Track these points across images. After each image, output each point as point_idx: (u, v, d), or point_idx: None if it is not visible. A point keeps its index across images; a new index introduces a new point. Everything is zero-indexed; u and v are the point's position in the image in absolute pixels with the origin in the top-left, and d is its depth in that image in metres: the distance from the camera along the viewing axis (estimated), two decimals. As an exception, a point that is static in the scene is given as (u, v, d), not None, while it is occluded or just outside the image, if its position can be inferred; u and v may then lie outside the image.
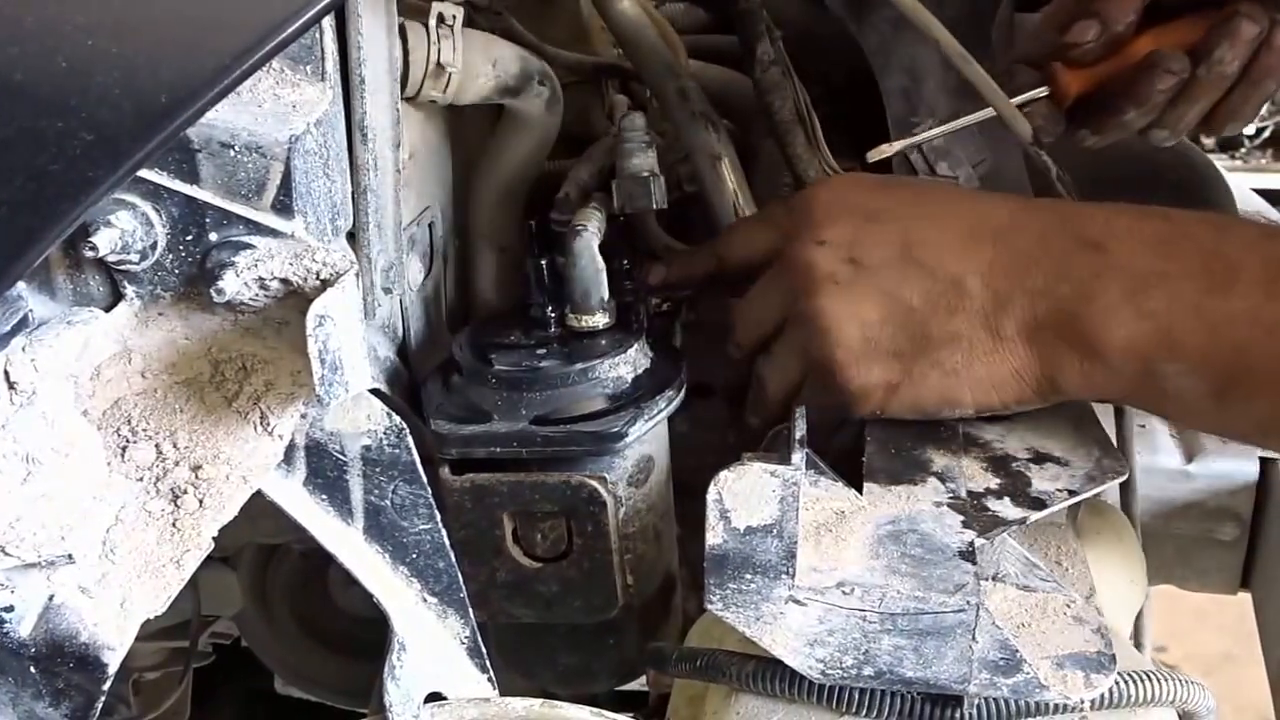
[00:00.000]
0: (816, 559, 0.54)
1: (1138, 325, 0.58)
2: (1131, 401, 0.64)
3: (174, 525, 0.48)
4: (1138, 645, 0.81)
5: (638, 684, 0.85)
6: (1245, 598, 1.12)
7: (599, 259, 0.71)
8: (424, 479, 0.55)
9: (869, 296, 0.65)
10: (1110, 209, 0.63)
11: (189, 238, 0.48)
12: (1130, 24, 0.73)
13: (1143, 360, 0.58)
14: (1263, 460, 1.00)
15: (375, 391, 0.53)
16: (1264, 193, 1.54)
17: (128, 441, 0.49)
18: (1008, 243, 0.63)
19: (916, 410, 0.65)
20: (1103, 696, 0.52)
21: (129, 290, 0.49)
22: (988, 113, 0.72)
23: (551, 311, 0.72)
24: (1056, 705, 0.52)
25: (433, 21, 0.68)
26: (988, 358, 0.63)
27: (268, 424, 0.50)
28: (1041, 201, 0.69)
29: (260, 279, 0.48)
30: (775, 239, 0.71)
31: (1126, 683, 0.53)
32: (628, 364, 0.69)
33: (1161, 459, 1.02)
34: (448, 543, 0.57)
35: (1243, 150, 4.32)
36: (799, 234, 0.68)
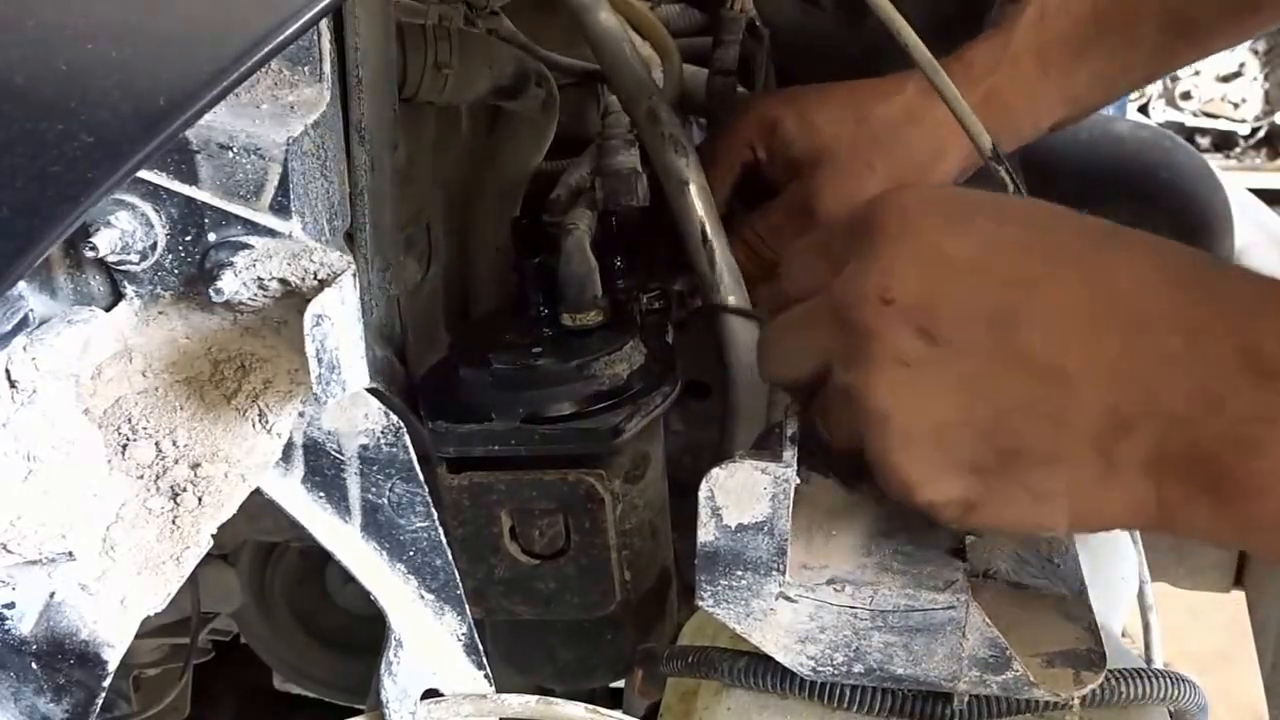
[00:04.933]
0: (807, 556, 0.55)
1: None
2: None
3: (173, 523, 0.49)
4: (1147, 648, 0.81)
5: (633, 680, 0.86)
6: (1239, 596, 1.12)
7: (591, 257, 0.72)
8: (420, 477, 0.55)
9: (946, 388, 0.49)
10: None
11: (188, 238, 0.48)
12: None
13: None
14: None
15: (373, 390, 0.53)
16: (1259, 192, 1.54)
17: (128, 440, 0.49)
18: (1146, 335, 0.46)
19: (1000, 530, 0.54)
20: (1093, 694, 0.53)
21: (129, 290, 0.50)
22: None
23: (546, 310, 0.72)
24: (1046, 702, 0.53)
25: (430, 23, 0.68)
26: (1092, 487, 0.48)
27: (266, 422, 0.50)
28: (1207, 275, 0.49)
29: (258, 279, 0.48)
30: (829, 269, 0.54)
31: (1117, 680, 0.54)
32: (623, 361, 0.69)
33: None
34: (444, 540, 0.57)
35: (1237, 150, 4.34)
36: (856, 276, 0.51)
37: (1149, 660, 0.80)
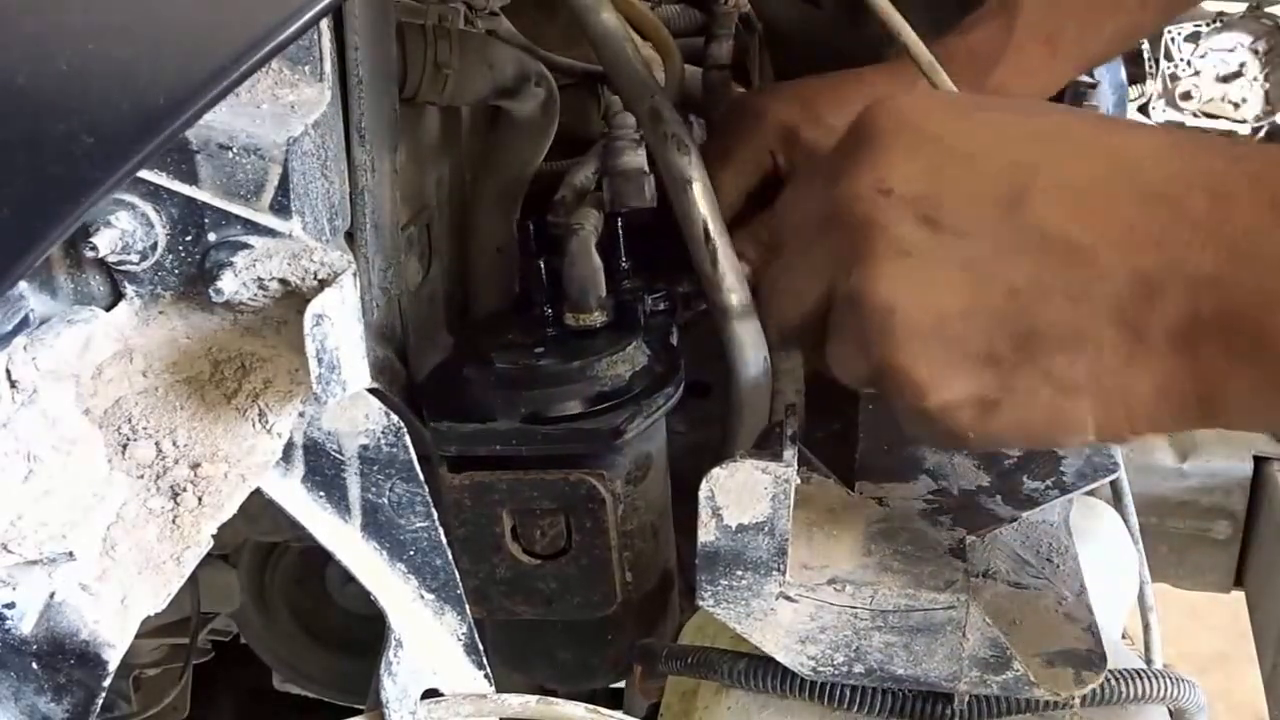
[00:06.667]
0: (808, 556, 0.55)
1: None
2: None
3: (174, 522, 0.49)
4: (1147, 649, 0.81)
5: (634, 680, 0.86)
6: (1239, 596, 1.12)
7: (596, 258, 0.72)
8: (420, 477, 0.55)
9: (952, 275, 0.46)
10: None
11: (188, 238, 0.48)
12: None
13: None
14: (1257, 459, 1.01)
15: (373, 390, 0.53)
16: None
17: (128, 439, 0.49)
18: (1164, 197, 0.43)
19: (1023, 437, 0.48)
20: (1093, 694, 0.53)
21: (129, 290, 0.50)
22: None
23: (549, 310, 0.72)
24: (1046, 702, 0.53)
25: (430, 23, 0.68)
26: (1119, 368, 0.44)
27: (266, 422, 0.50)
28: (1218, 142, 0.47)
29: (258, 279, 0.48)
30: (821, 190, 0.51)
31: (1117, 680, 0.54)
32: (626, 362, 0.69)
33: (1155, 457, 1.02)
34: (444, 540, 0.57)
35: (1238, 150, 4.32)
36: (851, 177, 0.49)
37: (1149, 660, 0.80)
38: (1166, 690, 0.55)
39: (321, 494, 0.54)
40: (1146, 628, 0.81)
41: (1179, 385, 0.44)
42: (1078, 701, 0.53)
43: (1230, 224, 0.42)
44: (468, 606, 0.59)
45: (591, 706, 0.57)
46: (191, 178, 0.47)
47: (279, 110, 0.49)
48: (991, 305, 0.45)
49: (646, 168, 0.80)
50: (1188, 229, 0.42)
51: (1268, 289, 0.41)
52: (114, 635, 0.48)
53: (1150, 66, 2.44)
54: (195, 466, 0.49)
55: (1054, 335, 0.45)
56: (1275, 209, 0.41)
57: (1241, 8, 2.14)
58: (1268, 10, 2.22)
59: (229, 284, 0.48)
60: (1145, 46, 2.22)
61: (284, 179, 0.48)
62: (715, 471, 0.51)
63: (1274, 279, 0.41)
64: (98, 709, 0.49)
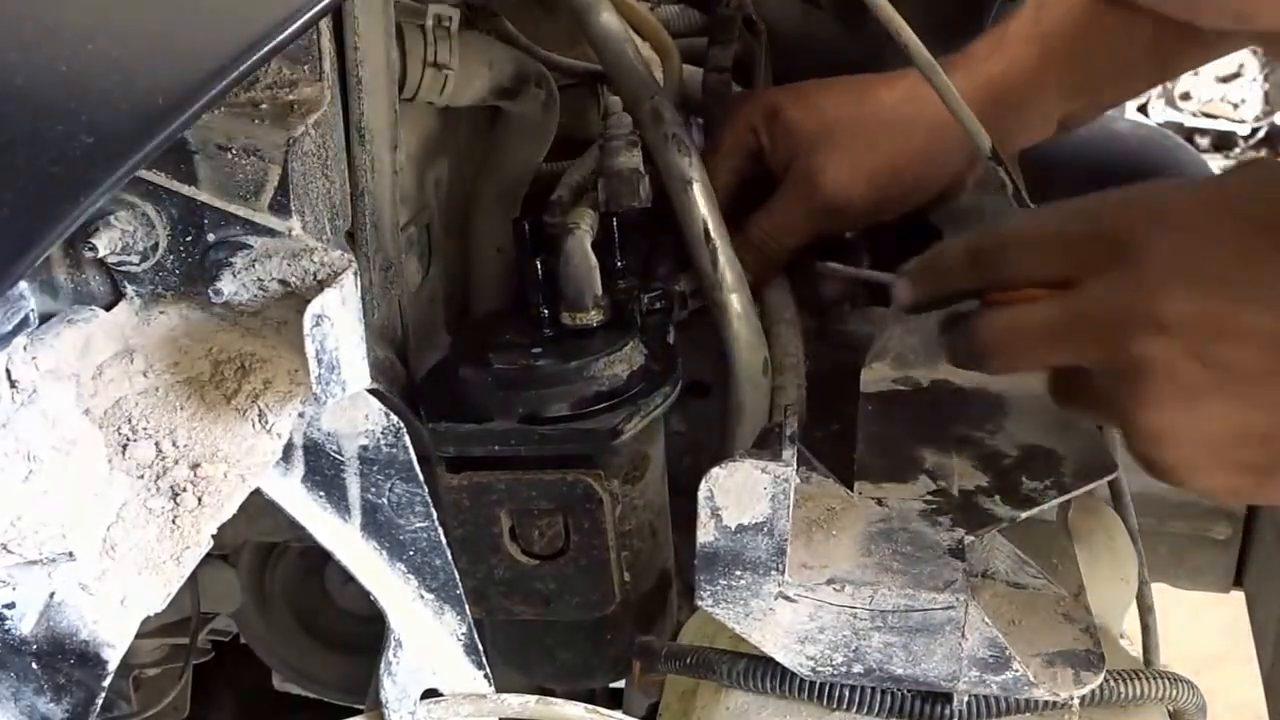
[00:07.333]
0: (808, 556, 0.55)
1: None
2: None
3: (173, 523, 0.49)
4: (1146, 649, 0.81)
5: (633, 680, 0.86)
6: (1239, 596, 1.12)
7: (591, 257, 0.72)
8: (420, 477, 0.55)
9: (1220, 405, 0.51)
10: None
11: (188, 238, 0.48)
12: None
13: None
14: (1256, 459, 1.01)
15: (373, 391, 0.53)
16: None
17: (128, 440, 0.49)
18: None
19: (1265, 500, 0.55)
20: (1092, 694, 0.53)
21: (129, 290, 0.50)
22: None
23: (546, 310, 0.72)
24: (1046, 702, 0.53)
25: (429, 23, 0.68)
26: None
27: (266, 422, 0.50)
28: None
29: (258, 279, 0.48)
30: (1069, 269, 0.54)
31: (1116, 681, 0.54)
32: (623, 361, 0.69)
33: (1155, 457, 1.02)
34: (444, 540, 0.57)
35: (1237, 150, 4.34)
36: (1123, 294, 0.52)
37: (1148, 661, 0.80)
38: (1165, 691, 0.55)
39: (321, 494, 0.54)
40: (1146, 628, 0.81)
41: None
42: (1077, 702, 0.53)
43: None
44: (467, 606, 0.59)
45: (591, 706, 0.57)
46: (191, 178, 0.47)
47: (279, 110, 0.49)
48: (1255, 431, 0.51)
49: (642, 168, 0.80)
50: None
51: None
52: (114, 635, 0.48)
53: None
54: (195, 467, 0.49)
55: None
56: None
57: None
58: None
59: (228, 284, 0.48)
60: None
61: (283, 179, 0.48)
62: (714, 471, 0.51)
63: None
64: (98, 709, 0.49)
